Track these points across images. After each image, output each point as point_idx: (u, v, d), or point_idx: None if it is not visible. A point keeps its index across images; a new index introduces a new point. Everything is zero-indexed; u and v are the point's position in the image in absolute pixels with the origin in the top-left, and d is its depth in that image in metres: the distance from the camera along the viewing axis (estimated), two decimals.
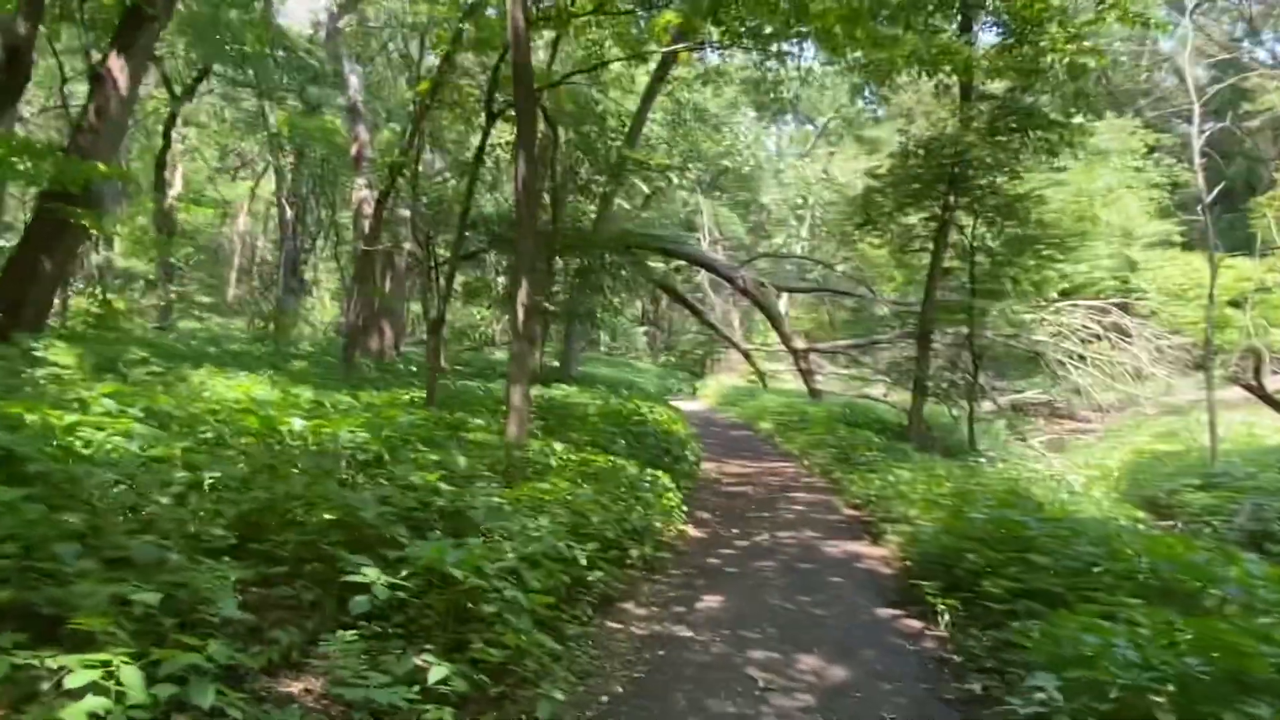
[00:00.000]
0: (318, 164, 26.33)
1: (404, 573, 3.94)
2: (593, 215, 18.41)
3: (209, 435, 5.52)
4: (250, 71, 24.53)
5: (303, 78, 25.74)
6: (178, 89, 27.04)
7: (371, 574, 3.80)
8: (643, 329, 35.89)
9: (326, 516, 4.39)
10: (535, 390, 14.11)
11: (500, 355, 24.94)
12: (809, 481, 12.04)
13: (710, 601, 5.83)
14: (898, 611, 5.88)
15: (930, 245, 14.74)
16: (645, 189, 25.87)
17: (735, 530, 8.36)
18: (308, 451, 5.45)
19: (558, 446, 8.00)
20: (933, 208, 14.63)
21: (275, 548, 4.20)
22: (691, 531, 8.10)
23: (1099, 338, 21.67)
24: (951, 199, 13.93)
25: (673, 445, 10.01)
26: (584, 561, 5.04)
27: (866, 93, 39.40)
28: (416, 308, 28.36)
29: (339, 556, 4.04)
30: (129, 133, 33.94)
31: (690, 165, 25.36)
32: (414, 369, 16.50)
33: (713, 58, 20.80)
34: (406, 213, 18.69)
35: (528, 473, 6.94)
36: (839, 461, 12.49)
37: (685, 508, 9.07)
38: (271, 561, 4.09)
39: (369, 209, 18.42)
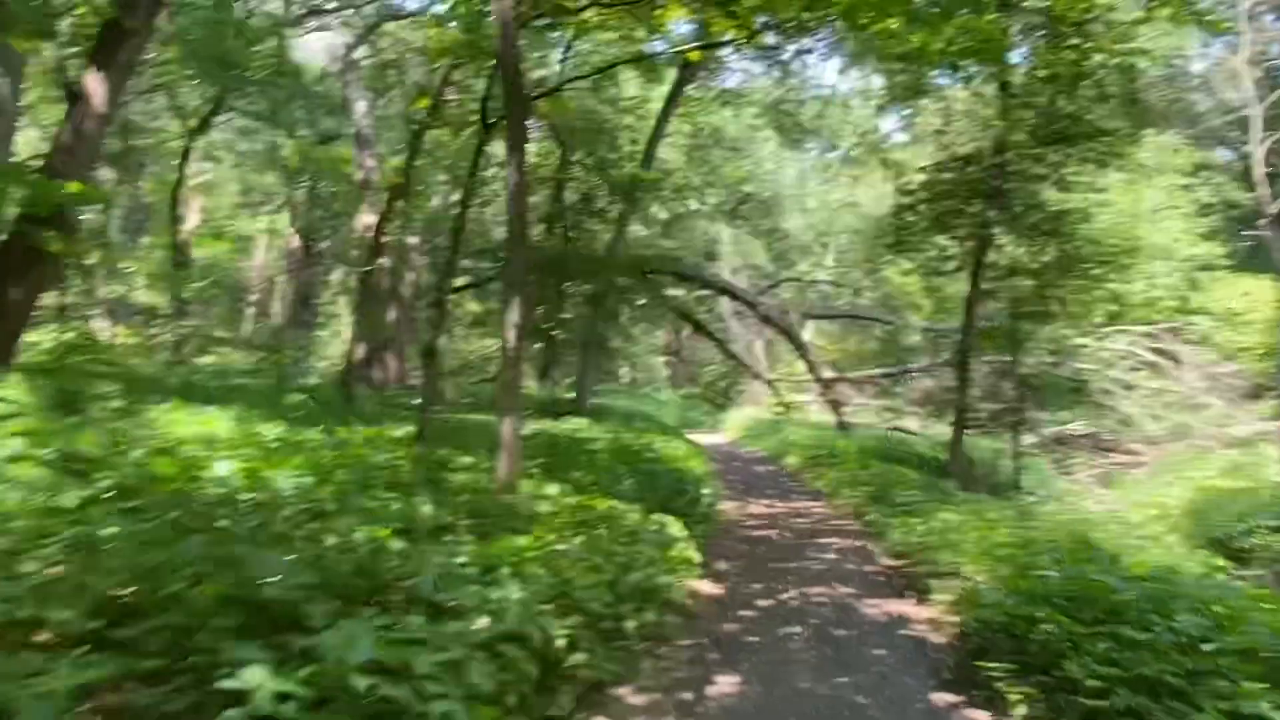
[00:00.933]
0: (330, 195, 25.87)
1: (305, 671, 2.94)
2: (607, 240, 17.57)
3: (115, 481, 4.58)
4: (263, 102, 24.27)
5: (316, 108, 25.43)
6: (192, 122, 26.87)
7: (254, 676, 2.80)
8: (661, 359, 34.85)
9: (221, 590, 3.40)
10: (542, 424, 13.13)
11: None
12: (840, 524, 10.89)
13: (725, 684, 4.75)
14: (956, 697, 4.76)
15: (967, 266, 13.63)
16: (663, 214, 25.08)
17: (757, 585, 7.26)
18: (230, 501, 4.48)
19: (553, 489, 6.99)
20: (970, 225, 13.56)
21: (150, 634, 3.22)
22: (706, 588, 7.01)
23: (1148, 365, 20.34)
24: (991, 214, 12.85)
25: (688, 484, 8.95)
26: (562, 642, 4.01)
27: (891, 113, 38.67)
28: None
29: (222, 648, 3.05)
30: (145, 166, 34.03)
31: (709, 189, 24.55)
32: (418, 402, 15.59)
33: (730, 79, 20.09)
34: (414, 239, 18.00)
35: (511, 523, 5.92)
36: (873, 501, 11.34)
37: (700, 557, 8.01)
38: (139, 655, 3.12)
39: (373, 236, 17.74)
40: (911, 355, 37.47)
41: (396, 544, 4.44)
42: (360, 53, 23.00)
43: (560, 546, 5.11)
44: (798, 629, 5.96)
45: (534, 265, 15.92)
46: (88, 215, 29.96)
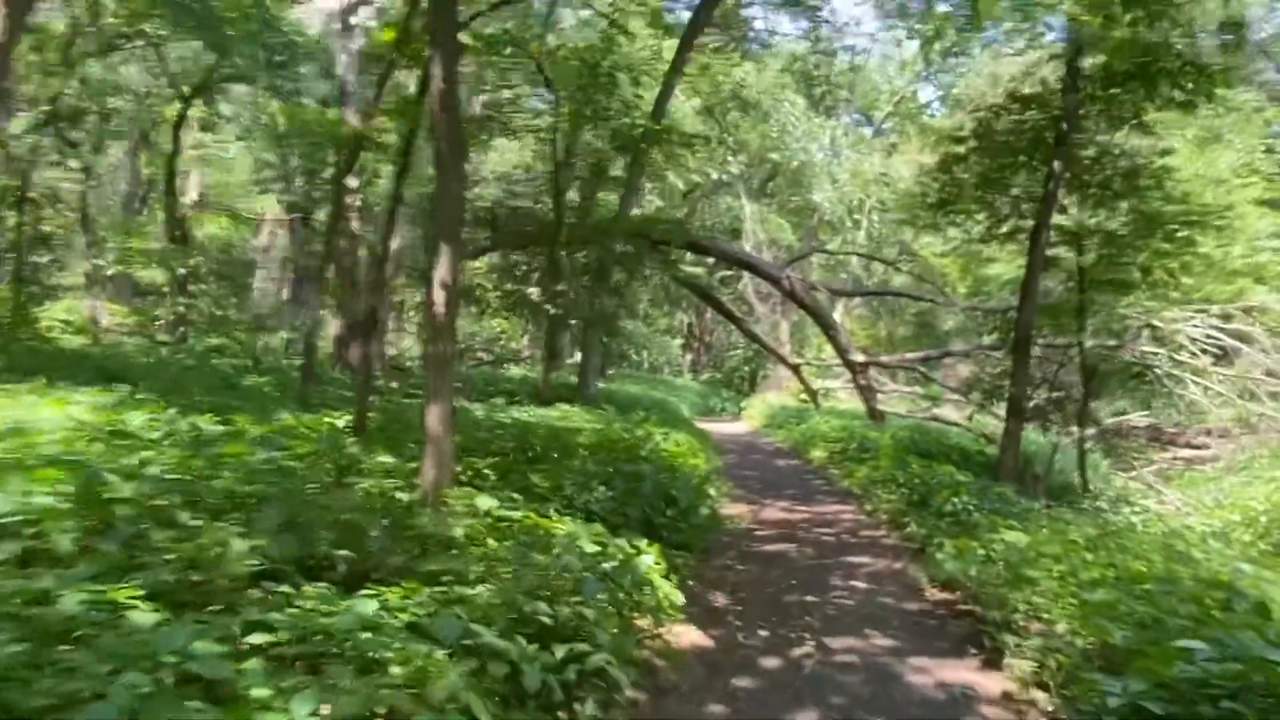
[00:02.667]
0: (320, 161, 24.07)
1: None
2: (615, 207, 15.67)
3: None
4: (256, 65, 22.72)
5: (311, 71, 23.79)
6: (186, 88, 25.39)
7: None
8: (677, 341, 32.92)
9: None
10: (526, 412, 11.34)
11: (518, 372, 22.30)
12: (874, 536, 8.97)
13: None
14: None
15: (1024, 231, 11.55)
16: (680, 183, 23.12)
17: (762, 631, 5.40)
18: None
19: (488, 502, 5.17)
20: (1031, 181, 11.48)
21: None
22: (690, 636, 5.17)
23: (1219, 347, 18.04)
24: (1056, 166, 10.76)
25: (681, 491, 7.11)
26: None
27: (931, 77, 36.19)
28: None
29: None
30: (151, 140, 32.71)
31: (731, 157, 22.52)
32: (394, 385, 13.91)
33: (753, 27, 17.99)
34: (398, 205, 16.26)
35: (405, 559, 4.12)
36: (914, 508, 9.40)
37: (691, 583, 6.20)
38: None
39: (353, 202, 16.03)
40: (949, 338, 35.20)
41: (144, 613, 2.66)
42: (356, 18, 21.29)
43: (446, 603, 3.30)
44: (813, 716, 4.10)
45: (522, 232, 14.13)
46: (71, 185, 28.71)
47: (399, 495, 5.43)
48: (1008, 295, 26.19)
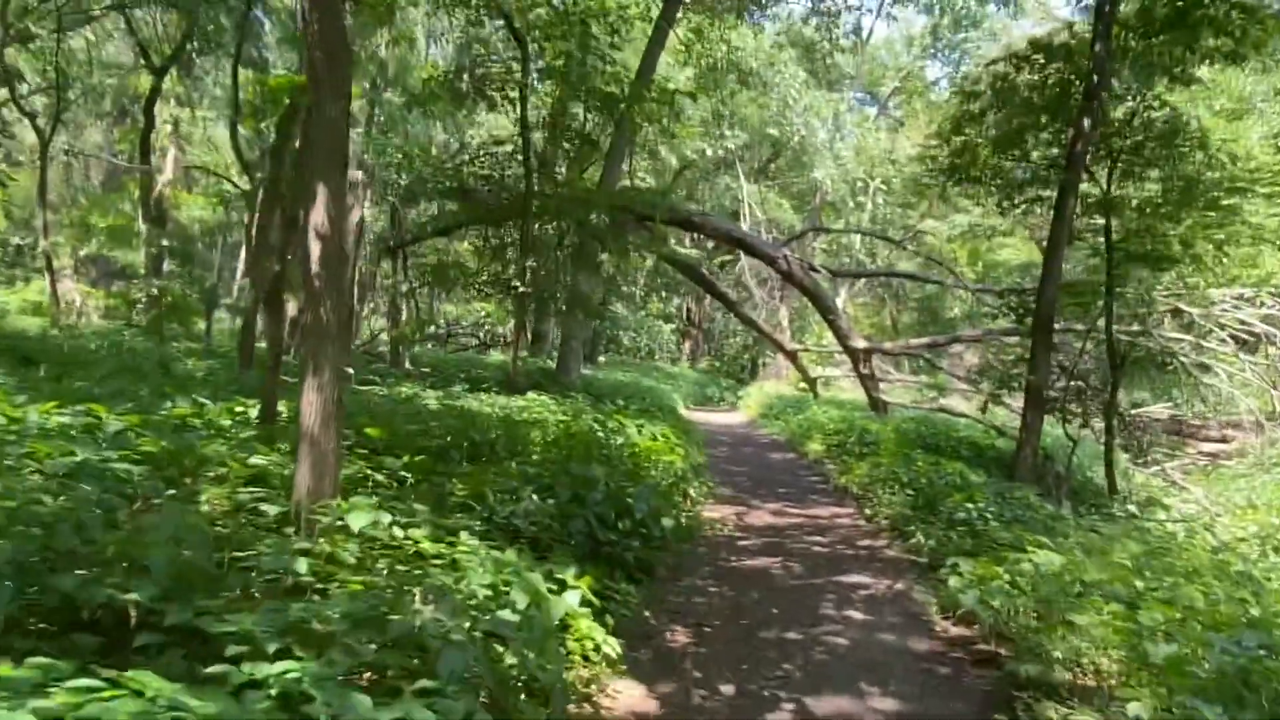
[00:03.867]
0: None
1: None
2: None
3: None
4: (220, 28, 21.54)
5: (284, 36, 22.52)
6: (156, 59, 24.11)
7: None
8: (670, 326, 31.64)
9: None
10: (484, 400, 10.13)
11: (500, 357, 21.06)
12: (874, 547, 7.74)
13: None
14: None
15: (1047, 197, 10.26)
16: (674, 159, 21.80)
17: (726, 687, 4.18)
18: None
19: (364, 518, 3.94)
20: (1055, 142, 10.18)
21: None
22: (628, 698, 3.95)
23: (1251, 336, 16.72)
24: (1085, 124, 9.44)
25: (642, 498, 5.87)
26: None
27: (938, 55, 34.71)
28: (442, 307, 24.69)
29: None
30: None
31: (728, 129, 21.20)
32: (349, 371, 12.65)
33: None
34: (359, 174, 14.99)
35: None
36: (919, 512, 8.18)
37: (647, 614, 5.00)
38: None
39: None
40: (956, 325, 33.84)
41: None
42: None
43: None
44: None
45: (495, 206, 12.87)
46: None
47: (265, 509, 4.24)
48: (1019, 280, 24.91)
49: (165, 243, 27.21)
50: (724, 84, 19.38)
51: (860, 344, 16.09)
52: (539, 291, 12.57)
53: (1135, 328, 14.26)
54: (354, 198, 14.71)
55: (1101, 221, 10.85)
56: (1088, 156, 10.14)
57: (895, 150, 29.85)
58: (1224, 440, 23.47)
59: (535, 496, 5.13)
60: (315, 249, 4.45)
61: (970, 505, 7.44)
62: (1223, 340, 15.87)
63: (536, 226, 12.38)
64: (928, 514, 8.11)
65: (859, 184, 30.66)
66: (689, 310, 39.86)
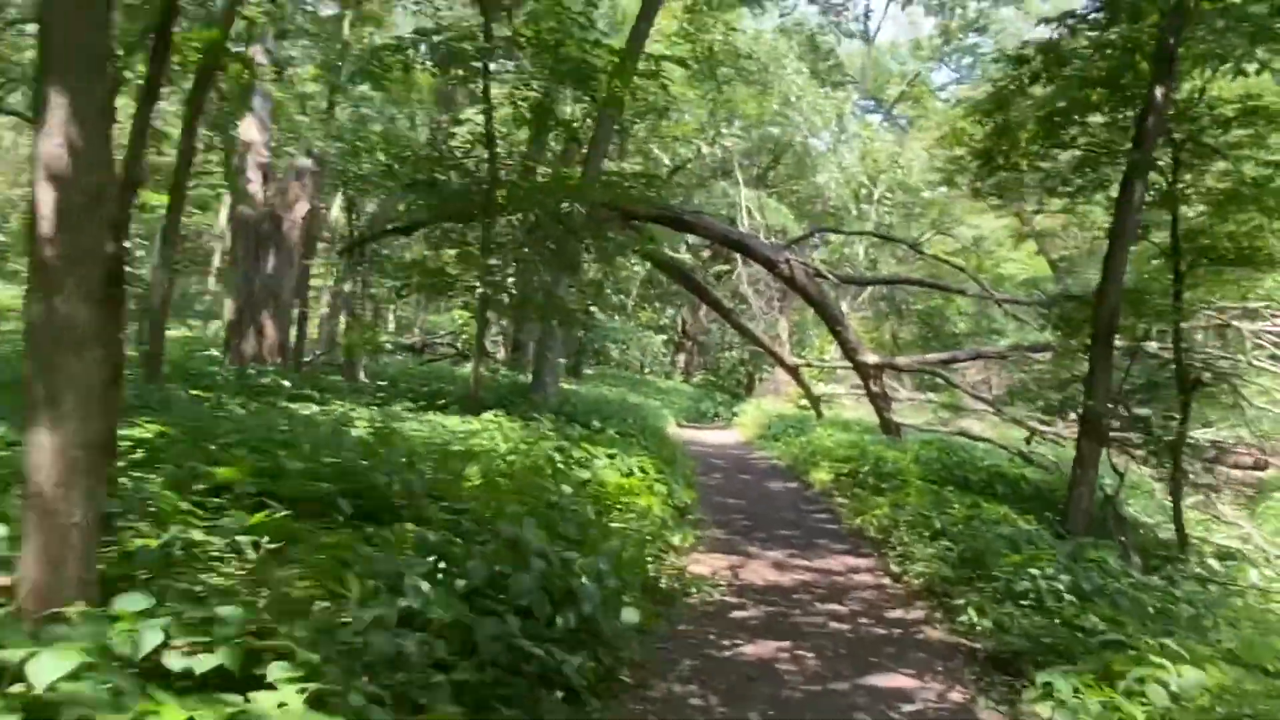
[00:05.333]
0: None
1: None
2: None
3: None
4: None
5: None
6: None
7: None
8: (662, 338, 29.90)
9: None
10: (424, 422, 8.38)
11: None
12: (909, 623, 5.98)
13: None
14: None
15: (1104, 181, 8.58)
16: (666, 158, 20.14)
17: None
18: None
19: (84, 663, 2.19)
20: (1112, 123, 8.52)
21: None
22: None
23: None
24: (1157, 94, 7.77)
25: (597, 581, 4.07)
26: None
27: (945, 60, 33.20)
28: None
29: None
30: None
31: (725, 126, 19.58)
32: (286, 383, 10.91)
33: None
34: (307, 161, 13.29)
35: None
36: (962, 570, 6.47)
37: None
38: None
39: (258, 159, 13.07)
40: (960, 341, 32.16)
41: None
42: None
43: None
44: None
45: (462, 204, 11.15)
46: None
47: None
48: (1031, 292, 23.25)
49: (127, 243, 25.42)
50: (719, 71, 17.74)
51: (871, 358, 14.40)
52: (505, 295, 10.84)
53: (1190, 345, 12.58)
54: (300, 188, 13.02)
55: (1158, 217, 9.18)
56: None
57: (901, 157, 28.33)
58: (1257, 467, 21.81)
59: (425, 585, 3.36)
60: (45, 197, 2.72)
61: (1037, 572, 5.70)
62: (1274, 357, 14.19)
63: (504, 220, 10.67)
64: (973, 574, 6.40)
65: (863, 191, 29.09)
66: (683, 322, 38.19)
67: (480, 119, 11.30)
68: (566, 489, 5.87)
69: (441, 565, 3.77)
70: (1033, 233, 29.51)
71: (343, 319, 15.20)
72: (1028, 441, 9.08)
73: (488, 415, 9.09)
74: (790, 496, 11.77)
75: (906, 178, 28.31)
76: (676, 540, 7.25)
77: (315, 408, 8.84)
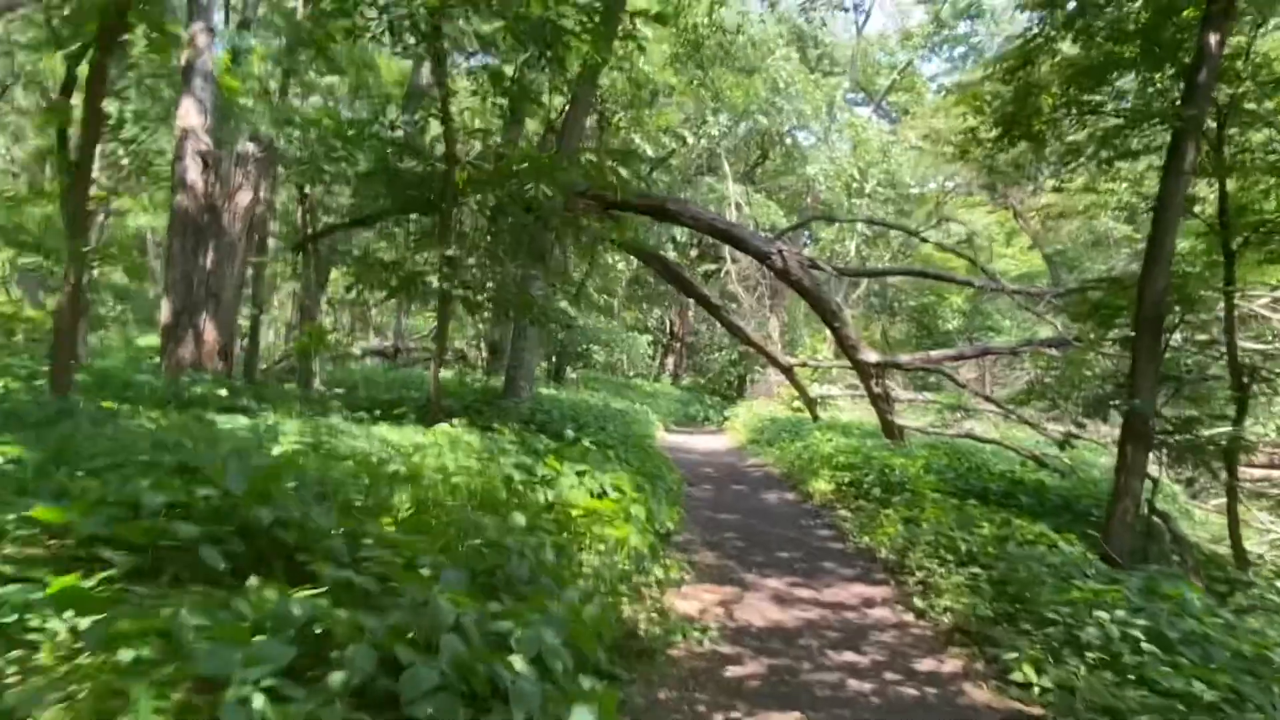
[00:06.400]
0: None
1: None
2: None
3: None
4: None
5: None
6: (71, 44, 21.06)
7: None
8: (646, 338, 28.76)
9: None
10: (377, 436, 7.22)
11: (446, 374, 18.07)
12: (948, 678, 4.83)
13: None
14: None
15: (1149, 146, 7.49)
16: (648, 148, 19.00)
17: None
18: None
19: None
20: (1148, 82, 7.43)
21: None
22: None
23: None
24: (1211, 40, 6.69)
25: (534, 665, 2.98)
26: None
27: (937, 50, 32.22)
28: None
29: None
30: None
31: (710, 113, 18.47)
32: (222, 393, 9.69)
33: None
34: (251, 147, 12.07)
35: None
36: (999, 605, 5.37)
37: None
38: None
39: (196, 145, 11.86)
40: (952, 339, 31.21)
41: None
42: None
43: None
44: None
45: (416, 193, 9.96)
46: None
47: None
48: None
49: (85, 250, 24.09)
50: (704, 50, 16.61)
51: (872, 356, 13.28)
52: (468, 291, 9.65)
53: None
54: (244, 175, 11.81)
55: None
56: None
57: (893, 149, 27.34)
58: (1273, 465, 20.87)
59: (259, 701, 2.21)
60: None
61: (1104, 614, 4.58)
62: None
63: (467, 208, 9.49)
64: (1018, 612, 5.28)
65: (854, 185, 28.06)
66: (672, 324, 37.09)
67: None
68: (519, 519, 4.71)
69: (308, 653, 2.60)
70: (1029, 226, 28.65)
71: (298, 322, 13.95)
72: (1062, 446, 7.96)
73: (443, 426, 7.91)
74: (788, 510, 10.63)
75: (897, 170, 27.35)
76: (659, 572, 6.10)
77: (244, 420, 7.65)
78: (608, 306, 22.60)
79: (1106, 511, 7.30)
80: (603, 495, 6.18)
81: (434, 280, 8.97)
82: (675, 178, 25.05)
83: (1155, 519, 7.37)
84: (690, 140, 20.01)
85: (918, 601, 6.21)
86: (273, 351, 18.25)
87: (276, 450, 6.16)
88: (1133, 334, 7.08)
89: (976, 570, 6.14)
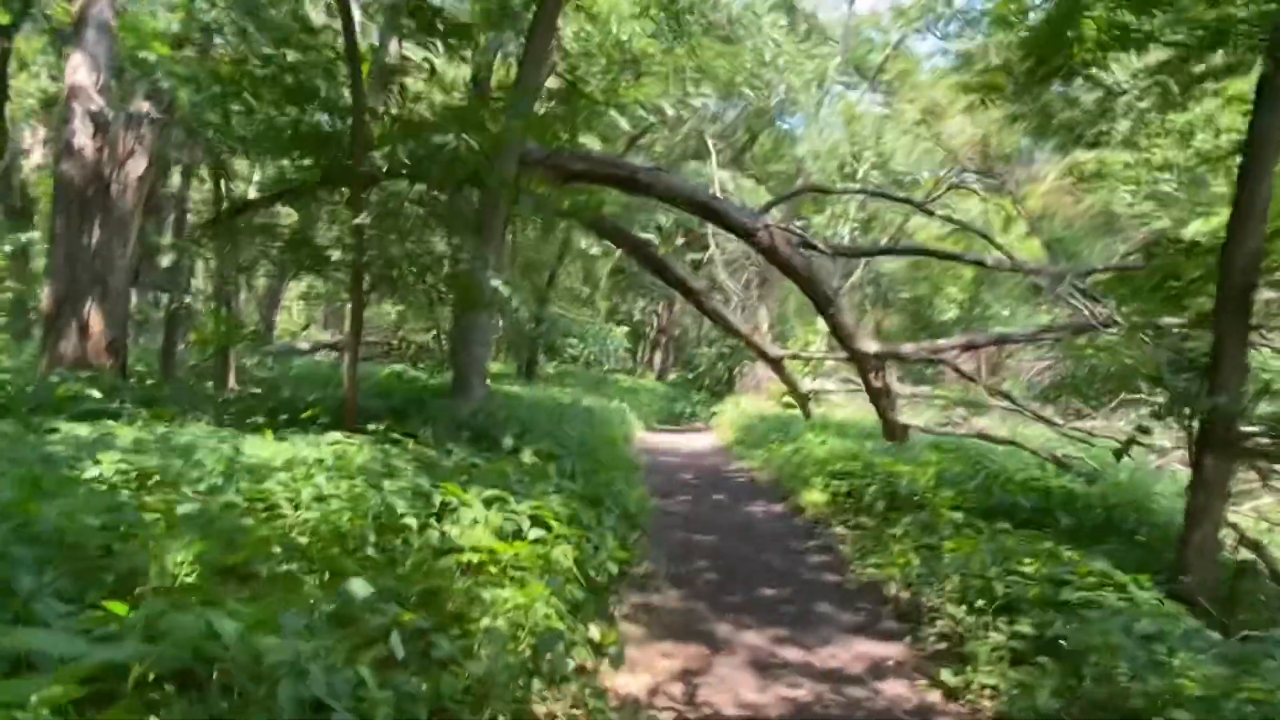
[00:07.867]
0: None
1: None
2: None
3: None
4: None
5: None
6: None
7: None
8: (623, 330, 27.11)
9: None
10: (213, 451, 5.56)
11: (396, 368, 16.37)
12: None
13: None
14: None
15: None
16: (624, 122, 17.32)
17: None
18: None
19: None
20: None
21: None
22: None
23: None
24: None
25: None
26: None
27: (933, 27, 30.66)
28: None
29: None
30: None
31: (694, 86, 16.80)
32: (95, 394, 8.01)
33: None
34: (146, 106, 10.34)
35: None
36: (1065, 681, 3.77)
37: None
38: None
39: (87, 105, 10.13)
40: (949, 329, 29.69)
41: None
42: None
43: None
44: None
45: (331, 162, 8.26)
46: None
47: None
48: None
49: (24, 237, 22.32)
50: (684, 18, 14.96)
51: (871, 346, 11.68)
52: (388, 267, 8.00)
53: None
54: (136, 139, 10.10)
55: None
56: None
57: (885, 135, 25.81)
58: None
59: None
60: None
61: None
62: None
63: (375, 166, 7.81)
64: (1099, 709, 3.67)
65: (846, 169, 26.50)
66: (657, 317, 35.51)
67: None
68: (359, 587, 3.07)
69: None
70: (1026, 211, 27.14)
71: (211, 310, 12.22)
72: (1118, 457, 6.37)
73: (334, 435, 6.25)
74: (775, 528, 9.02)
75: (891, 154, 25.84)
76: (596, 635, 4.47)
77: (84, 432, 5.98)
78: (583, 296, 20.94)
79: (1179, 539, 5.69)
80: (518, 534, 4.53)
81: (337, 255, 7.30)
82: (658, 161, 23.44)
83: (1246, 550, 5.81)
84: (670, 112, 18.30)
85: (946, 675, 4.58)
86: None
87: (94, 472, 4.51)
88: (1215, 313, 5.49)
89: (1024, 629, 4.54)
